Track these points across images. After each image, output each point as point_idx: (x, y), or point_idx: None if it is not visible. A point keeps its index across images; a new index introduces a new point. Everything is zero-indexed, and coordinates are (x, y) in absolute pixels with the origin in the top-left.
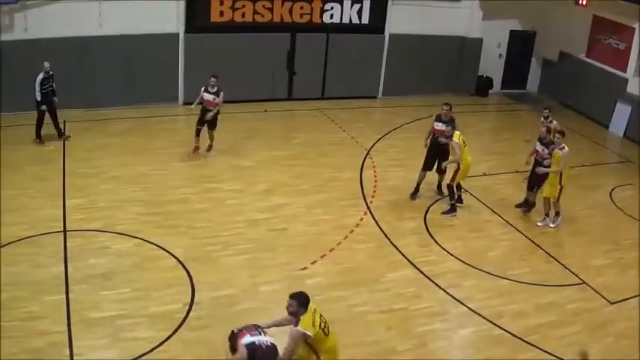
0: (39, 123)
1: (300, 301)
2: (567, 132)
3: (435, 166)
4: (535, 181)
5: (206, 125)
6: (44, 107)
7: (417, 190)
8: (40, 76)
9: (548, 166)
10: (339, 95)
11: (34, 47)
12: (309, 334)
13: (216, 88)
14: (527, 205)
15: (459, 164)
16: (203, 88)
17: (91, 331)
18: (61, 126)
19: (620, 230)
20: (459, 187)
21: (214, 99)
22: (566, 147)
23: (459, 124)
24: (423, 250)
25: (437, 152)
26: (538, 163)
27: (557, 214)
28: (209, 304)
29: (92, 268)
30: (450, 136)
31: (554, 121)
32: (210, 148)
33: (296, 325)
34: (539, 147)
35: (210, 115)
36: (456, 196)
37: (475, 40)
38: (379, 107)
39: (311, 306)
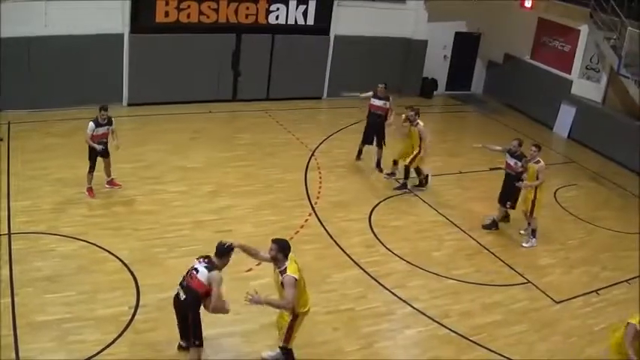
0: None
1: (280, 246)
2: (512, 133)
3: (375, 141)
4: (506, 195)
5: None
6: None
7: (359, 154)
8: None
9: (518, 178)
10: (284, 96)
11: None
12: (297, 278)
13: (106, 120)
14: (496, 226)
15: (420, 149)
16: (93, 124)
17: (37, 334)
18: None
19: (565, 230)
20: (418, 170)
21: (107, 129)
22: (541, 160)
23: (393, 101)
24: (369, 250)
25: (374, 127)
26: (510, 177)
27: (534, 232)
28: (155, 306)
29: (37, 270)
30: (386, 112)
31: (420, 123)
32: (111, 181)
33: (284, 272)
34: (510, 160)
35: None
36: (408, 179)
37: (420, 42)
38: (324, 108)
39: (292, 256)
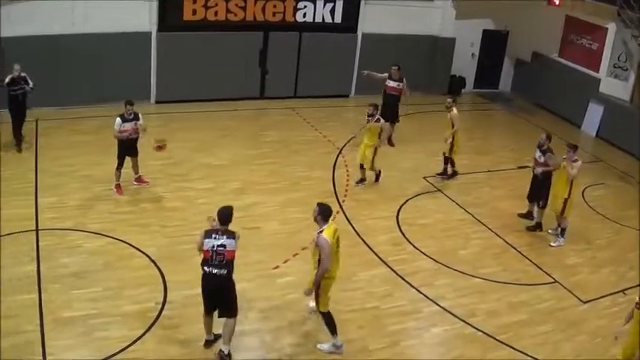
0: (14, 126)
1: (320, 209)
2: (540, 132)
3: (390, 119)
4: (534, 193)
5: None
6: (13, 112)
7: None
8: (9, 78)
9: (540, 173)
10: (311, 94)
11: (5, 45)
12: (329, 240)
13: (133, 115)
14: (532, 217)
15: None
16: (120, 119)
17: (63, 330)
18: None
19: (592, 229)
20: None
21: (135, 124)
22: (579, 160)
23: (407, 83)
24: (396, 248)
25: (390, 106)
26: (543, 172)
27: (563, 232)
28: (181, 303)
29: (64, 267)
30: (400, 92)
31: (454, 109)
32: (139, 178)
33: (320, 233)
34: (537, 154)
35: (134, 142)
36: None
37: (448, 40)
38: (351, 106)
39: (333, 222)
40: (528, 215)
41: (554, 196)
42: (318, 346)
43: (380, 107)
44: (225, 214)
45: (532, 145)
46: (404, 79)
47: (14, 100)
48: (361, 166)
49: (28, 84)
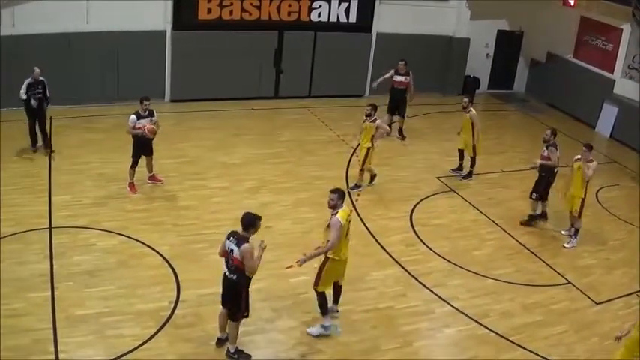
0: (32, 128)
1: (339, 194)
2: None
3: (399, 112)
4: (537, 187)
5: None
6: (32, 105)
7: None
8: (29, 80)
9: (545, 170)
10: (325, 94)
11: (20, 43)
12: (342, 222)
13: (148, 112)
14: (532, 220)
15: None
16: (135, 116)
17: (76, 328)
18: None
19: (605, 230)
20: (473, 161)
21: (151, 121)
22: (594, 160)
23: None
24: (409, 249)
25: (397, 100)
26: (543, 167)
27: (576, 232)
28: (195, 302)
29: (77, 265)
30: (407, 86)
31: (472, 110)
32: (153, 177)
33: (334, 215)
34: (543, 151)
35: (150, 141)
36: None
37: (462, 40)
38: (366, 106)
39: (346, 207)
40: (538, 217)
41: (572, 197)
42: (308, 330)
43: (388, 102)
44: (245, 220)
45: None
46: (410, 73)
47: (29, 103)
48: (463, 161)
49: (45, 90)
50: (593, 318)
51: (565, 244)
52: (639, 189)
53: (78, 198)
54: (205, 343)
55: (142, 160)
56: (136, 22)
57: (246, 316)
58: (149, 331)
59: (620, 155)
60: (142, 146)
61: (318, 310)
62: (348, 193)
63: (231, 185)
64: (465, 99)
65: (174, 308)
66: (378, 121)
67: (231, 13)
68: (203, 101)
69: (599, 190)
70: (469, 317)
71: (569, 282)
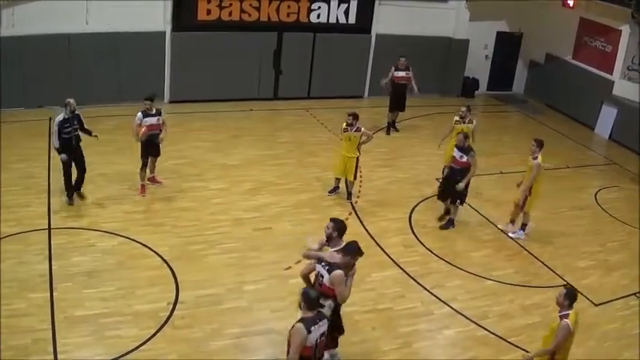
0: (66, 176)
1: (336, 225)
2: (553, 133)
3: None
4: (449, 191)
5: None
6: (64, 156)
7: (389, 127)
8: (60, 116)
9: (463, 175)
10: (325, 95)
11: (20, 44)
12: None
13: (154, 110)
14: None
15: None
16: (141, 114)
17: (75, 328)
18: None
19: (605, 232)
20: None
21: (158, 120)
22: (539, 157)
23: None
24: (408, 250)
25: (400, 95)
26: (454, 171)
27: (524, 226)
28: (193, 303)
29: (77, 266)
30: (408, 80)
31: (474, 121)
32: (153, 178)
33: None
34: (456, 153)
35: (158, 140)
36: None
37: (462, 41)
38: (365, 107)
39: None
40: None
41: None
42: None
43: (390, 99)
44: (349, 248)
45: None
46: (410, 68)
47: (66, 144)
48: (337, 179)
49: (82, 125)
50: (592, 320)
51: (510, 233)
52: (639, 189)
53: (77, 199)
54: (204, 344)
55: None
56: (136, 22)
57: (342, 334)
58: (148, 332)
59: (619, 156)
60: (151, 147)
61: None
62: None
63: (230, 186)
64: (464, 108)
65: (173, 309)
66: (362, 129)
67: (230, 14)
68: (202, 102)
69: (598, 192)
70: (468, 319)
71: (568, 283)
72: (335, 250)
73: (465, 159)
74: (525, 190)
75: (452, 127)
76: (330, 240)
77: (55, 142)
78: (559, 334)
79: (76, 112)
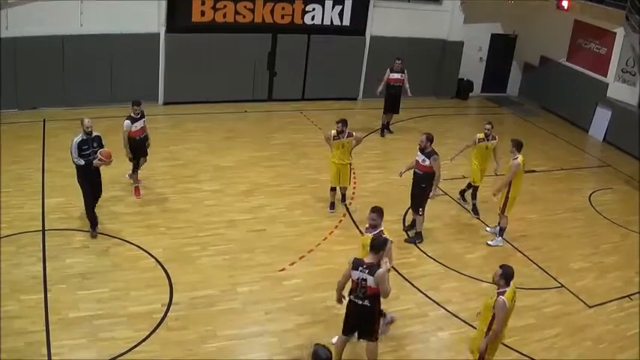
0: (88, 206)
1: (379, 213)
2: (547, 136)
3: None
4: (418, 201)
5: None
6: (86, 186)
7: (383, 129)
8: (78, 137)
9: (426, 181)
10: (319, 97)
11: (14, 45)
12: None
13: (140, 113)
14: (413, 229)
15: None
16: (129, 121)
17: (69, 330)
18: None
19: (599, 234)
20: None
21: (144, 122)
22: (519, 158)
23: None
24: (402, 252)
25: (394, 97)
26: (418, 176)
27: (502, 231)
28: (187, 305)
29: (71, 267)
30: (402, 83)
31: (497, 137)
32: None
33: (382, 234)
34: (419, 157)
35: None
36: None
37: (456, 43)
38: (359, 109)
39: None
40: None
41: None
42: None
43: (385, 101)
44: (378, 243)
45: (537, 149)
46: (405, 71)
47: (85, 168)
48: (333, 189)
49: (101, 146)
50: (586, 321)
51: (489, 242)
52: (639, 193)
53: (71, 200)
54: (198, 345)
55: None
56: (130, 24)
57: (377, 339)
58: (142, 334)
59: (613, 158)
60: (139, 148)
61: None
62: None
63: (224, 188)
64: (488, 125)
65: (167, 311)
66: (354, 134)
67: (224, 15)
68: (196, 104)
69: (592, 194)
70: (463, 321)
71: (562, 285)
72: (376, 234)
73: (427, 162)
74: (500, 190)
75: (474, 143)
76: (374, 227)
77: (78, 160)
78: (498, 312)
79: (94, 133)
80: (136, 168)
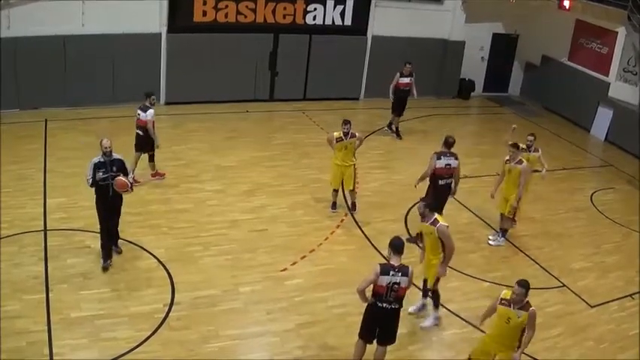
0: (102, 233)
1: (426, 203)
2: (549, 135)
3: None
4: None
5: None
6: (99, 210)
7: (398, 132)
8: (96, 158)
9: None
10: (321, 96)
11: (16, 45)
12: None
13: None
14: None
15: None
16: (152, 110)
17: (71, 330)
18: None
19: (600, 234)
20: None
21: (145, 116)
22: (524, 161)
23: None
24: (405, 251)
25: (403, 100)
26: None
27: (504, 232)
28: (189, 305)
29: (72, 267)
30: (410, 86)
31: (539, 150)
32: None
33: (436, 223)
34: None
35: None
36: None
37: (458, 43)
38: (361, 109)
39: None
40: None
41: (505, 199)
42: (421, 325)
43: (393, 103)
44: (399, 245)
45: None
46: (413, 74)
47: (102, 192)
48: (335, 191)
49: (124, 172)
50: (588, 321)
51: (490, 242)
52: (639, 193)
53: (73, 200)
54: (199, 345)
55: (142, 161)
56: (132, 24)
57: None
58: (143, 334)
59: (615, 158)
60: (141, 143)
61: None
62: (344, 198)
63: (226, 188)
64: (531, 137)
65: (169, 311)
66: (357, 134)
67: (226, 15)
68: (198, 104)
69: (594, 193)
70: (464, 320)
71: (564, 285)
72: (430, 222)
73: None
74: (520, 197)
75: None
76: (424, 217)
77: (89, 181)
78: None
79: (115, 155)
80: (150, 160)
